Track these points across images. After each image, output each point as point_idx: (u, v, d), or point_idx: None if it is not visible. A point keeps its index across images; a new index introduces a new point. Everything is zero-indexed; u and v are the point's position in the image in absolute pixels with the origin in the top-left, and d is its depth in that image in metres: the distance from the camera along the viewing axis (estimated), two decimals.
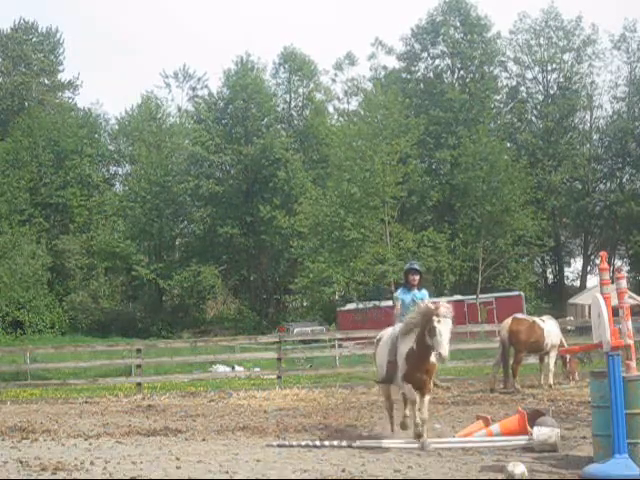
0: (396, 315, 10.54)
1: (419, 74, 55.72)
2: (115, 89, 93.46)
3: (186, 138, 55.62)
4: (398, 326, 10.16)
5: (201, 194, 52.64)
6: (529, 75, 55.95)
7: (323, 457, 9.42)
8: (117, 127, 59.92)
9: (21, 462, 9.15)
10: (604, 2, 78.25)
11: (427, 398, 9.80)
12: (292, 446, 10.23)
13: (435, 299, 10.62)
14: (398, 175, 41.95)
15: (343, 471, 8.51)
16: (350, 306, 43.62)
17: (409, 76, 55.52)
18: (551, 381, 16.48)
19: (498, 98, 56.41)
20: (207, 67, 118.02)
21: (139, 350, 20.37)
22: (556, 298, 49.15)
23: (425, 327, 9.34)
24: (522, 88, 56.47)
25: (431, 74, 55.00)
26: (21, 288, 44.31)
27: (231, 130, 53.94)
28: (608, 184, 55.24)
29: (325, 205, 42.29)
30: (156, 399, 17.43)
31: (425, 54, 55.09)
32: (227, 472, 8.55)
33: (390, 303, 40.99)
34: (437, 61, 55.21)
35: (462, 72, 55.04)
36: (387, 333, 10.66)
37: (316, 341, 33.99)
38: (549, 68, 54.75)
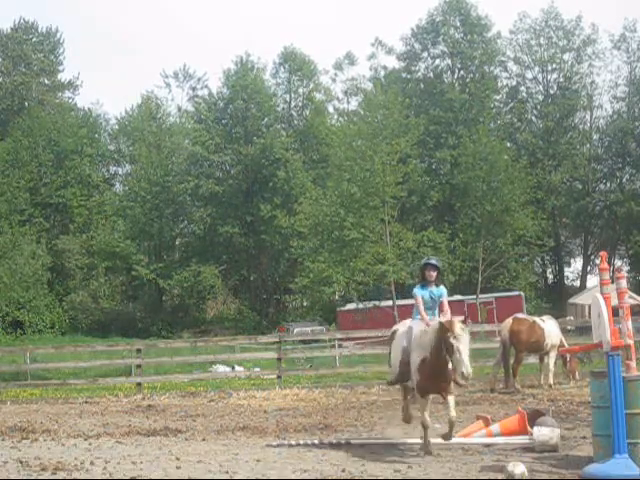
0: (419, 311, 9.93)
1: (419, 74, 55.70)
2: (115, 89, 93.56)
3: (186, 138, 55.62)
4: (414, 323, 9.80)
5: (201, 194, 52.63)
6: (529, 75, 56.02)
7: (323, 457, 9.43)
8: (117, 127, 59.93)
9: (21, 462, 9.15)
10: (604, 2, 78.31)
11: (452, 398, 9.32)
12: (292, 446, 10.23)
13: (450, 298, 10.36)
14: (398, 175, 41.94)
15: (343, 471, 8.51)
16: (350, 306, 43.62)
17: (409, 76, 55.50)
18: (551, 381, 16.49)
19: (498, 98, 56.40)
20: (207, 67, 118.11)
21: (139, 350, 20.36)
22: (556, 298, 49.15)
23: (441, 342, 8.90)
24: (522, 88, 56.48)
25: (431, 74, 54.98)
26: (21, 288, 44.28)
27: (231, 130, 53.93)
28: (608, 184, 55.24)
29: (325, 205, 42.29)
30: (156, 399, 17.43)
31: (425, 54, 55.08)
32: (227, 472, 8.55)
33: (390, 303, 41.16)
34: (437, 61, 55.24)
35: (462, 72, 55.04)
36: (403, 326, 10.27)
37: (316, 341, 33.99)
38: (549, 68, 54.74)
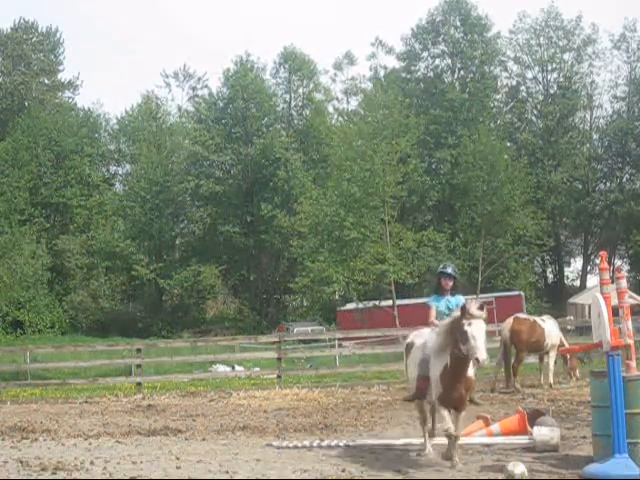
0: (431, 322, 9.39)
1: (419, 74, 55.67)
2: (115, 89, 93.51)
3: (186, 138, 55.62)
4: (431, 336, 9.05)
5: (201, 194, 52.63)
6: (529, 75, 56.01)
7: (323, 457, 9.43)
8: (117, 127, 59.94)
9: (21, 462, 9.15)
10: (604, 2, 78.24)
11: (462, 415, 8.71)
12: (292, 446, 10.22)
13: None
14: (398, 175, 41.93)
15: (343, 471, 8.52)
16: (350, 306, 43.62)
17: (409, 76, 55.48)
18: (551, 381, 16.50)
19: (498, 98, 56.42)
20: (207, 67, 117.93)
21: (139, 350, 20.37)
22: (556, 298, 49.15)
23: (457, 337, 8.28)
24: (522, 88, 56.47)
25: (431, 74, 54.97)
26: (21, 288, 44.26)
27: (231, 130, 53.93)
28: (608, 184, 55.25)
29: (325, 205, 42.27)
30: (156, 399, 17.43)
31: (425, 54, 55.05)
32: (227, 472, 8.55)
33: (390, 302, 41.17)
34: (437, 61, 55.21)
35: (462, 72, 55.02)
36: (420, 338, 9.44)
37: (316, 341, 33.99)
38: (549, 68, 54.73)
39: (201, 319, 53.40)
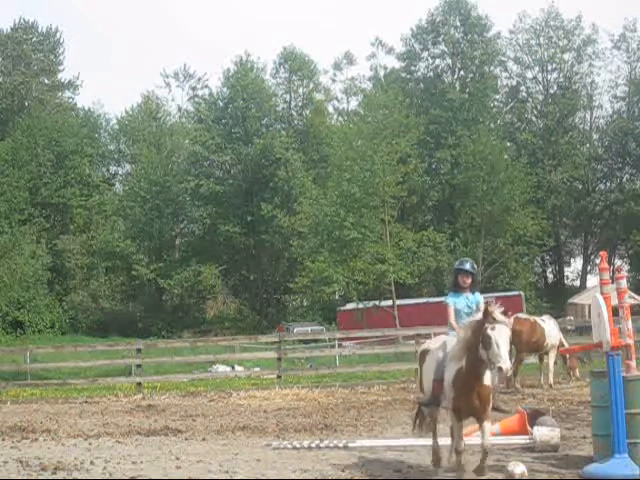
0: (450, 324, 8.84)
1: (419, 74, 55.65)
2: (115, 89, 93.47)
3: (186, 138, 55.60)
4: (449, 339, 8.51)
5: (201, 194, 52.62)
6: (529, 75, 55.99)
7: (323, 457, 9.43)
8: (117, 127, 59.92)
9: (21, 462, 9.16)
10: (604, 2, 78.22)
11: (487, 424, 8.00)
12: (290, 448, 10.22)
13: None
14: (398, 175, 41.93)
15: (343, 471, 8.52)
16: (350, 306, 43.61)
17: (409, 76, 55.48)
18: (551, 381, 16.51)
19: (498, 98, 56.40)
20: (207, 67, 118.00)
21: (139, 350, 20.38)
22: (556, 298, 49.10)
23: (478, 339, 7.69)
24: (522, 88, 56.45)
25: (431, 74, 54.94)
26: (21, 288, 44.24)
27: (231, 130, 53.92)
28: (608, 184, 55.26)
29: (325, 205, 42.26)
30: (156, 399, 17.44)
31: (425, 54, 55.02)
32: (227, 472, 8.56)
33: (390, 303, 41.16)
34: (437, 61, 55.16)
35: (462, 72, 54.99)
36: (435, 343, 8.84)
37: (316, 341, 33.99)
38: (549, 68, 54.73)
39: (201, 319, 53.38)
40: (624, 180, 54.67)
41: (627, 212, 49.43)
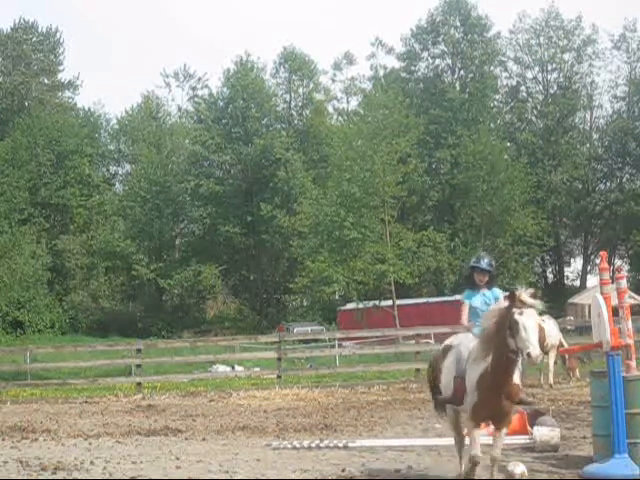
0: (466, 322, 8.24)
1: (419, 74, 55.64)
2: (115, 89, 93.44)
3: (186, 138, 55.59)
4: (467, 338, 7.85)
5: (201, 194, 52.61)
6: (529, 75, 55.97)
7: (323, 457, 9.43)
8: (117, 127, 59.91)
9: (21, 462, 9.17)
10: (604, 2, 78.20)
11: (504, 432, 7.43)
12: (290, 448, 10.22)
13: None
14: (398, 175, 41.94)
15: (343, 471, 8.52)
16: (350, 306, 43.62)
17: (409, 76, 55.48)
18: (551, 381, 16.52)
19: (498, 98, 56.40)
20: (207, 67, 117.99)
21: (139, 350, 20.40)
22: (556, 298, 49.04)
23: (505, 329, 7.01)
24: (522, 88, 56.45)
25: (431, 74, 54.93)
26: (21, 288, 44.25)
27: (231, 130, 53.91)
28: (608, 184, 55.25)
29: (325, 205, 42.28)
30: (156, 399, 17.45)
31: (425, 54, 55.01)
32: (227, 472, 8.56)
33: (390, 303, 41.16)
34: (437, 61, 55.13)
35: (462, 72, 54.98)
36: (458, 340, 8.08)
37: (316, 341, 33.99)
38: (549, 68, 54.72)
39: (201, 319, 53.38)
40: (624, 180, 54.66)
41: (627, 212, 49.43)
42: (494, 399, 7.10)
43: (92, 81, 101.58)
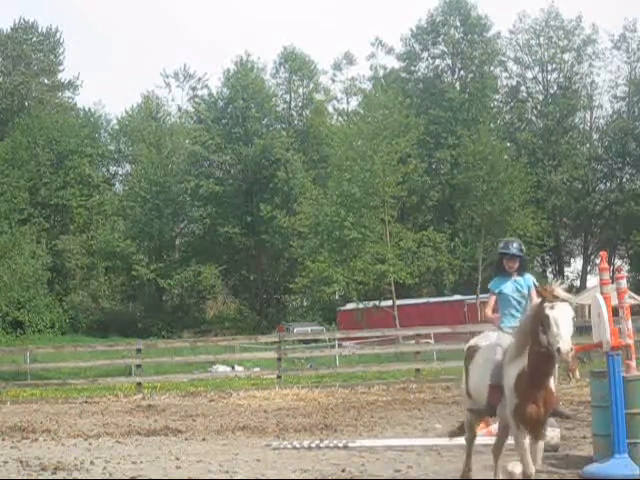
0: (491, 314, 7.65)
1: (419, 74, 55.65)
2: (115, 89, 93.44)
3: (186, 138, 55.58)
4: (496, 337, 7.35)
5: (201, 194, 52.62)
6: (529, 75, 55.96)
7: (323, 457, 9.43)
8: (117, 127, 59.91)
9: (21, 462, 9.17)
10: (604, 2, 78.20)
11: (541, 444, 6.97)
12: (290, 448, 10.22)
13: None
14: (398, 175, 41.96)
15: (343, 471, 8.52)
16: (350, 306, 43.63)
17: (409, 76, 55.49)
18: None
19: (498, 98, 56.40)
20: (207, 67, 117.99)
21: (139, 350, 20.38)
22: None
23: (538, 324, 6.58)
24: (522, 88, 56.46)
25: (431, 74, 54.94)
26: (21, 288, 44.24)
27: (231, 130, 53.91)
28: (608, 184, 55.25)
29: (325, 205, 42.30)
30: (156, 399, 17.45)
31: (425, 54, 55.02)
32: (227, 472, 8.56)
33: (390, 303, 41.16)
34: (437, 61, 55.15)
35: (462, 72, 55.00)
36: (486, 340, 7.57)
37: (316, 341, 33.99)
38: (549, 68, 54.72)
39: (201, 319, 53.39)
40: (624, 180, 54.66)
41: (627, 212, 49.44)
42: (534, 400, 6.66)
43: (92, 81, 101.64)
